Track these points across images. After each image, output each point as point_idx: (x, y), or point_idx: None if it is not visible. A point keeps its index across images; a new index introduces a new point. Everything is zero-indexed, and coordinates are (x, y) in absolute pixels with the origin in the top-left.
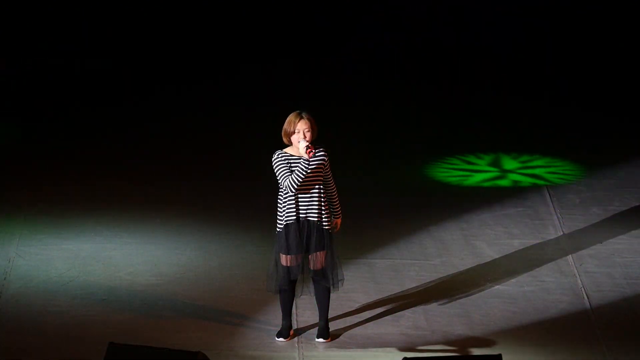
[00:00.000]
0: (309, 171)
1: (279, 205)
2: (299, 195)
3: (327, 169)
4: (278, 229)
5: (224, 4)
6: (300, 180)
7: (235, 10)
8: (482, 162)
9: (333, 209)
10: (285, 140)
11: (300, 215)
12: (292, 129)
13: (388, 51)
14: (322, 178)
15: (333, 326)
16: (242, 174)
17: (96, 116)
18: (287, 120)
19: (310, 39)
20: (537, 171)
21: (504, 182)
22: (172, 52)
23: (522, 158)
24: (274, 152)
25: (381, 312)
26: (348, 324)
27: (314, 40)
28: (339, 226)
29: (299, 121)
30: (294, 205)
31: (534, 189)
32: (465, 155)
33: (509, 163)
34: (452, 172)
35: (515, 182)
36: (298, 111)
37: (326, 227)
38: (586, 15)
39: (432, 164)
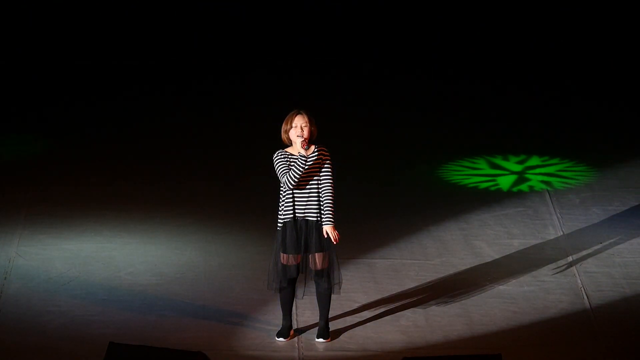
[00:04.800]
0: (306, 167)
1: (279, 203)
2: (296, 194)
3: (324, 168)
4: (277, 227)
5: (224, 5)
6: (298, 175)
7: (237, 11)
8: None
9: (324, 212)
10: (284, 138)
11: (298, 214)
12: (289, 126)
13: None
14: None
15: (333, 326)
16: (242, 174)
17: (96, 115)
18: (284, 119)
19: (311, 39)
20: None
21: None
22: (173, 51)
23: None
24: (275, 152)
25: (381, 312)
26: (348, 324)
27: (315, 41)
28: (333, 236)
29: (295, 116)
30: (291, 204)
31: (534, 189)
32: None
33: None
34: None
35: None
36: (297, 109)
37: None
38: (591, 11)
39: (434, 165)
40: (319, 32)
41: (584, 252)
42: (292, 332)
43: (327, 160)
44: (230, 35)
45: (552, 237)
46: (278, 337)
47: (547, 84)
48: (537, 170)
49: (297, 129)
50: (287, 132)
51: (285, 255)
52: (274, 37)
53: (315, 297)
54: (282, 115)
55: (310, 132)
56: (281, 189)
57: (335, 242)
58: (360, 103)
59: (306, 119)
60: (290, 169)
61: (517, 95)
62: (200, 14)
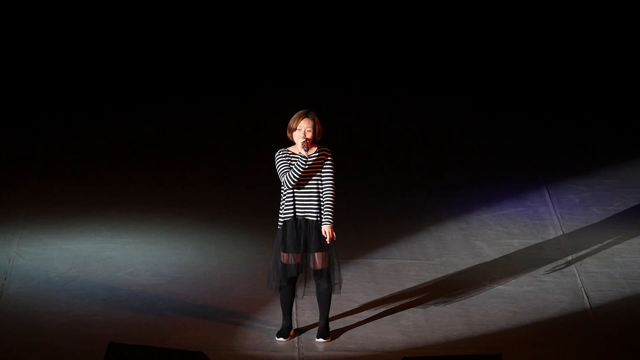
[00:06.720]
0: (306, 167)
1: (280, 202)
2: (297, 193)
3: (326, 168)
4: (278, 226)
5: (227, 12)
6: (298, 175)
7: (238, 17)
8: None
9: (323, 212)
10: (289, 136)
11: (298, 214)
12: (294, 126)
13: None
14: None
15: (333, 326)
16: (241, 175)
17: (97, 117)
18: (292, 117)
19: (310, 43)
20: None
21: None
22: (176, 58)
23: None
24: (277, 150)
25: (381, 312)
26: (348, 324)
27: (315, 45)
28: (328, 235)
29: (302, 119)
30: (292, 203)
31: (534, 188)
32: None
33: None
34: None
35: None
36: (306, 110)
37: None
38: (589, 13)
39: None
40: (320, 35)
41: (584, 252)
42: (292, 332)
43: (330, 160)
44: (235, 39)
45: (552, 237)
46: (278, 337)
47: (546, 83)
48: None
49: (301, 132)
50: (291, 131)
51: (285, 254)
52: (278, 42)
53: (316, 297)
54: (282, 118)
55: (314, 135)
56: (282, 188)
57: (328, 242)
58: (358, 104)
59: (312, 123)
60: (290, 169)
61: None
62: (204, 18)
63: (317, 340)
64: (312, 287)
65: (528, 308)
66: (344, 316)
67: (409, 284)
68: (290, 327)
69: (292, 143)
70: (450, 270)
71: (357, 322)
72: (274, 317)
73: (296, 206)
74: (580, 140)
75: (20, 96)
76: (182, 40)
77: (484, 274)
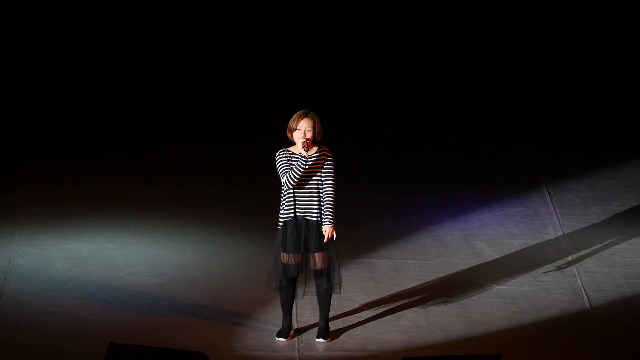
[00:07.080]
0: (307, 167)
1: (280, 202)
2: (297, 194)
3: (327, 168)
4: (278, 226)
5: (227, 12)
6: (298, 175)
7: (238, 18)
8: None
9: (324, 211)
10: (289, 136)
11: (298, 214)
12: (294, 126)
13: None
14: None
15: (333, 326)
16: (241, 175)
17: (98, 118)
18: (292, 117)
19: (309, 45)
20: None
21: None
22: (176, 59)
23: None
24: (278, 150)
25: (381, 312)
26: (348, 324)
27: (313, 46)
28: (328, 235)
29: (302, 119)
30: (292, 203)
31: (534, 189)
32: None
33: None
34: None
35: None
36: (305, 110)
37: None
38: (589, 13)
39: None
40: (320, 36)
41: (584, 252)
42: (292, 332)
43: (330, 160)
44: (235, 39)
45: (552, 237)
46: (278, 337)
47: (546, 84)
48: None
49: (301, 132)
50: (291, 131)
51: (285, 254)
52: (278, 43)
53: (316, 297)
54: (283, 118)
55: (315, 135)
56: (282, 188)
57: (327, 240)
58: (357, 104)
59: (312, 123)
60: (291, 169)
61: (514, 95)
62: (204, 19)
63: (317, 340)
64: (312, 287)
65: (528, 308)
66: (344, 316)
67: (409, 284)
68: (290, 327)
69: (293, 143)
70: (450, 270)
71: (357, 322)
72: (274, 317)
73: (296, 206)
74: (580, 140)
75: (19, 96)
76: (182, 41)
77: (484, 274)
